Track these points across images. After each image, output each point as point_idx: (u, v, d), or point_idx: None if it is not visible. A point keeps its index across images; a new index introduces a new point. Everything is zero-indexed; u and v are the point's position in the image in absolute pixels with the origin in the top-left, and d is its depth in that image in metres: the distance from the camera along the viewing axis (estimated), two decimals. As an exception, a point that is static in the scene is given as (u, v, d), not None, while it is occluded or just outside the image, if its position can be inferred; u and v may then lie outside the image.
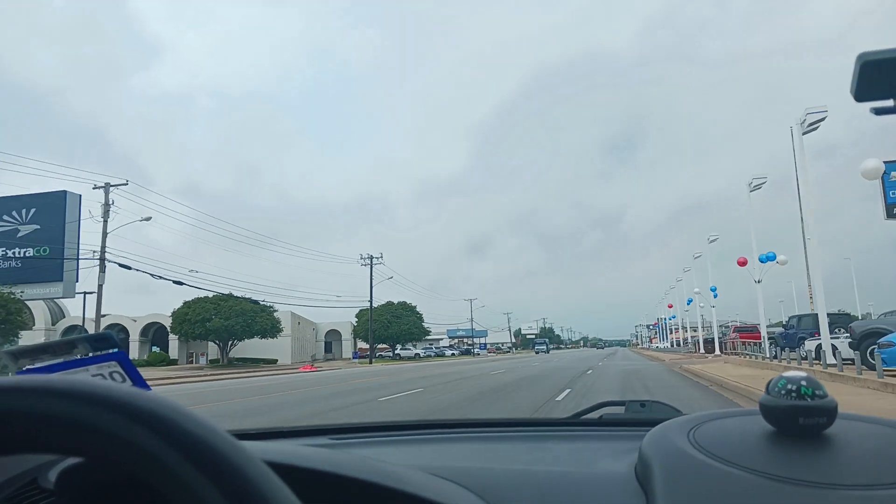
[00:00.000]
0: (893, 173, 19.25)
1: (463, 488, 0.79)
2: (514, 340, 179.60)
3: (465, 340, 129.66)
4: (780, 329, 27.34)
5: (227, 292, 58.23)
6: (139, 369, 0.78)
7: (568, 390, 15.52)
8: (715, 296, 37.56)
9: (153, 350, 65.21)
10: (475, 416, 1.72)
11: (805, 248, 36.96)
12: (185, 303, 58.20)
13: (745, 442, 0.78)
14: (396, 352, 79.48)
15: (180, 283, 34.83)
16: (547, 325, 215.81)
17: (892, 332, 14.64)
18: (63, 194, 39.31)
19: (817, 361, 18.38)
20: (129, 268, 30.69)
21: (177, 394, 18.64)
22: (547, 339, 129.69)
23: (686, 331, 73.91)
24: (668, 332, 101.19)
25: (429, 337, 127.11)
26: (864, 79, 0.73)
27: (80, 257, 33.14)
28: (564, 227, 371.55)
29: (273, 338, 60.05)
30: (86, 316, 68.32)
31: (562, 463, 0.98)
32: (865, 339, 15.75)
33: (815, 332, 21.52)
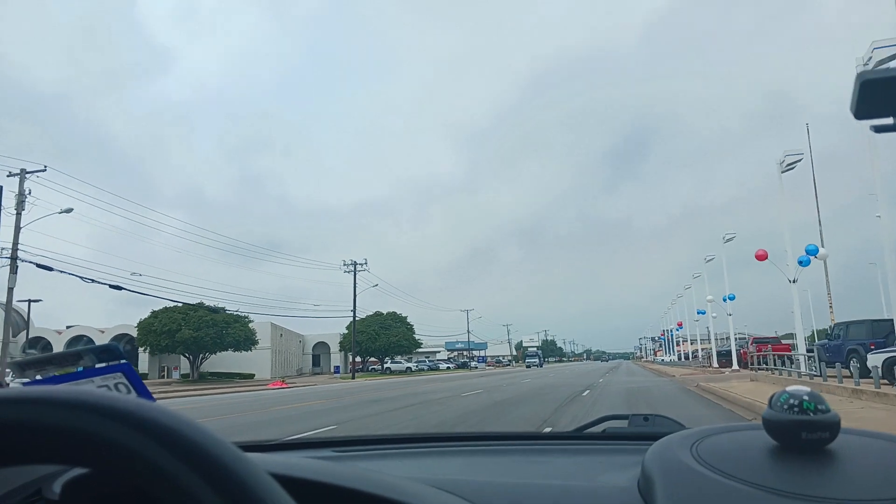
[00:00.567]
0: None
1: (466, 501, 0.79)
2: (514, 353, 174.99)
3: (465, 353, 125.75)
4: (823, 340, 22.73)
5: (196, 301, 54.10)
6: None
7: (549, 429, 10.99)
8: (730, 302, 33.04)
9: (121, 364, 60.68)
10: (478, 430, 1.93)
11: (821, 239, 32.80)
12: (153, 312, 53.83)
13: (747, 456, 0.78)
14: (387, 365, 74.87)
15: (118, 288, 30.32)
16: (549, 338, 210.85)
17: None
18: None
19: (886, 382, 13.87)
20: (50, 269, 26.23)
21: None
22: (539, 352, 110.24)
23: (693, 343, 69.44)
24: (674, 344, 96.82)
25: (425, 349, 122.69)
26: (863, 97, 0.75)
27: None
28: (567, 237, 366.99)
29: (247, 350, 55.55)
30: (45, 327, 64.30)
31: (564, 476, 0.99)
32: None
33: (870, 343, 16.97)
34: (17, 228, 25.34)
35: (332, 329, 77.36)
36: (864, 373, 15.20)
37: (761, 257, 22.78)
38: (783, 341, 37.04)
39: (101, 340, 62.42)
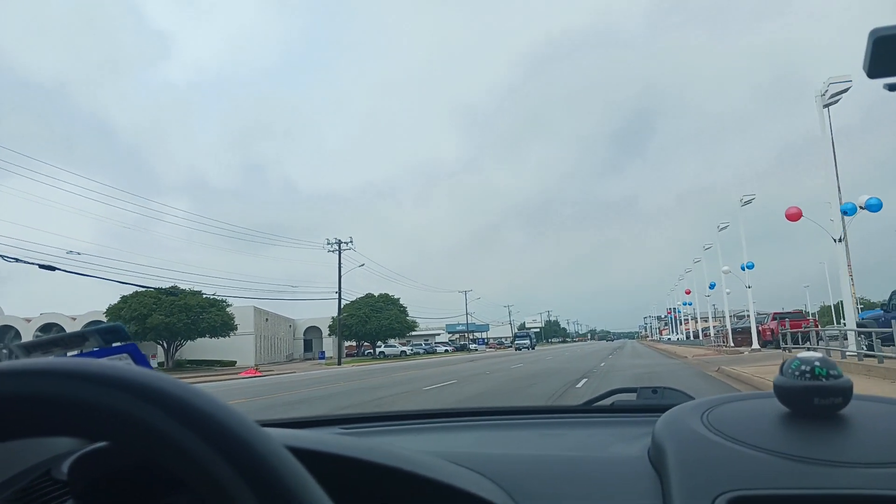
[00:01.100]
0: None
1: (478, 473, 0.79)
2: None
3: (468, 335, 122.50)
4: (875, 310, 18.85)
5: (170, 285, 50.46)
6: None
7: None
8: (748, 271, 29.09)
9: (95, 353, 57.23)
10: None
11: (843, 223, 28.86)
12: (123, 297, 50.23)
13: (759, 423, 0.78)
14: (380, 349, 71.29)
15: (51, 269, 26.48)
16: (552, 318, 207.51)
17: None
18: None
19: None
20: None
21: None
22: (531, 333, 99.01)
23: (702, 321, 65.64)
24: (679, 323, 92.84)
25: (425, 332, 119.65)
26: (877, 55, 0.73)
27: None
28: (572, 218, 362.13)
29: (224, 336, 51.95)
30: (14, 315, 60.86)
31: (575, 448, 0.99)
32: None
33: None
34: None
35: (325, 313, 73.72)
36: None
37: (794, 216, 18.89)
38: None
39: (72, 327, 58.75)
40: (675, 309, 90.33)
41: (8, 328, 57.66)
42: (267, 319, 69.09)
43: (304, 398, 15.77)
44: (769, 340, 31.28)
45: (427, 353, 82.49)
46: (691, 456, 0.73)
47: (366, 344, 71.62)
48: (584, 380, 16.85)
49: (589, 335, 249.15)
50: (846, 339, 17.05)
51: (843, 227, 16.86)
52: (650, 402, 1.29)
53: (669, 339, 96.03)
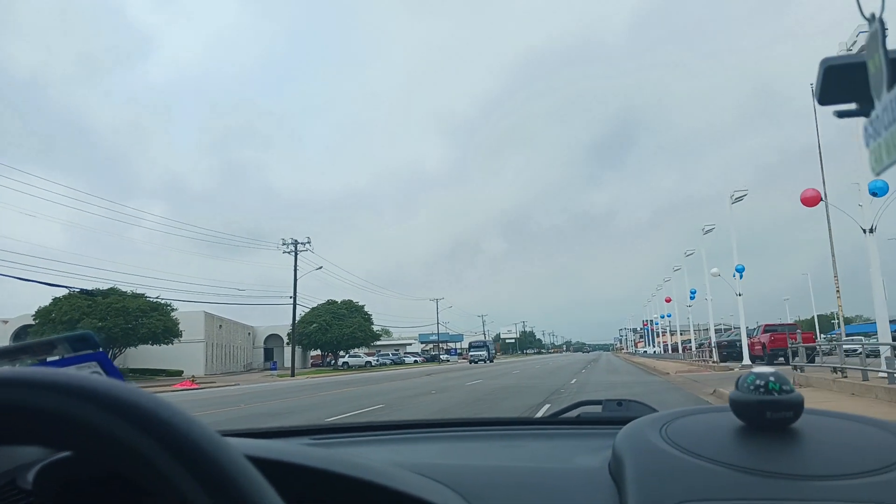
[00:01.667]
0: None
1: (441, 484, 0.81)
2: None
3: (442, 346, 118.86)
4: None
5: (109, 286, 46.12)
6: None
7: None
8: (739, 277, 25.81)
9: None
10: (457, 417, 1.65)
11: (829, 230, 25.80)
12: (54, 300, 45.76)
13: (714, 436, 0.80)
14: (343, 359, 67.22)
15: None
16: (527, 329, 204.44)
17: None
18: None
19: None
20: None
21: None
22: (488, 344, 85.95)
23: (680, 334, 62.63)
24: (657, 335, 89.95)
25: (397, 341, 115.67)
26: (827, 83, 0.76)
27: None
28: (550, 230, 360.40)
29: (168, 343, 47.65)
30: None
31: (538, 459, 1.02)
32: None
33: None
34: None
35: (288, 320, 69.61)
36: None
37: (811, 200, 15.64)
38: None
39: (4, 332, 54.29)
40: (651, 321, 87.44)
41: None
42: (221, 326, 64.68)
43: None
44: (759, 356, 28.03)
45: (394, 363, 78.54)
46: (648, 468, 0.75)
47: (328, 354, 67.58)
48: (547, 405, 13.31)
49: (564, 347, 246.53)
50: (865, 355, 13.59)
51: (875, 217, 13.50)
52: (614, 415, 1.31)
53: (646, 351, 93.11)
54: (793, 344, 18.34)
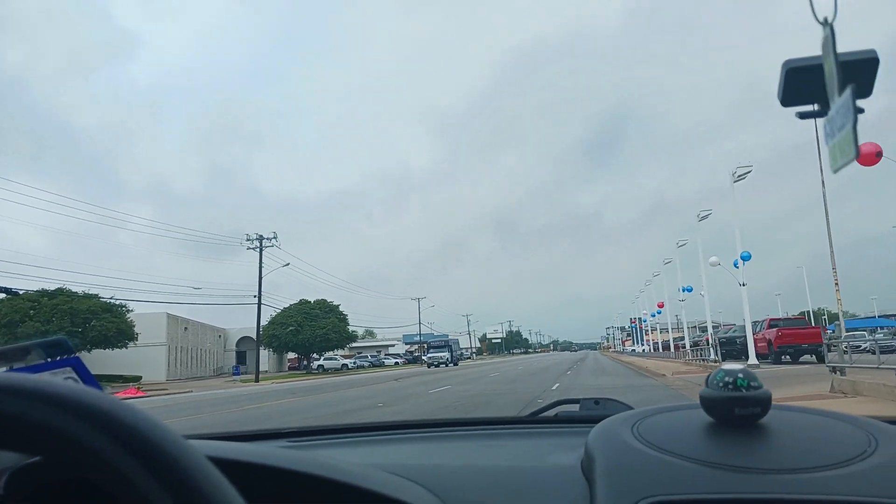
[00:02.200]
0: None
1: (416, 484, 0.82)
2: (479, 345, 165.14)
3: (422, 346, 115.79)
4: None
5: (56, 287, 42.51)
6: None
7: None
8: (743, 266, 22.82)
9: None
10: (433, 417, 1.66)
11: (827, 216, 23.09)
12: (-5, 301, 42.07)
13: (685, 433, 0.82)
14: (318, 363, 63.77)
15: None
16: (514, 329, 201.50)
17: None
18: None
19: None
20: None
21: None
22: (451, 343, 70.75)
23: (669, 331, 59.85)
24: (643, 333, 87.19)
25: (380, 342, 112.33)
26: (789, 85, 0.79)
27: None
28: (538, 229, 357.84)
29: (121, 347, 44.09)
30: None
31: (515, 458, 1.04)
32: None
33: None
34: None
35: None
36: None
37: (871, 156, 12.76)
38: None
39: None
40: (640, 318, 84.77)
41: None
42: (186, 328, 61.06)
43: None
44: (764, 353, 25.05)
45: (373, 366, 75.18)
46: (617, 464, 0.77)
47: (291, 357, 64.08)
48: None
49: (552, 346, 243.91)
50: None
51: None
52: (591, 413, 1.32)
53: (634, 350, 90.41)
54: (828, 338, 15.30)
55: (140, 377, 49.34)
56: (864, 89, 0.77)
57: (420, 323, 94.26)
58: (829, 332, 22.98)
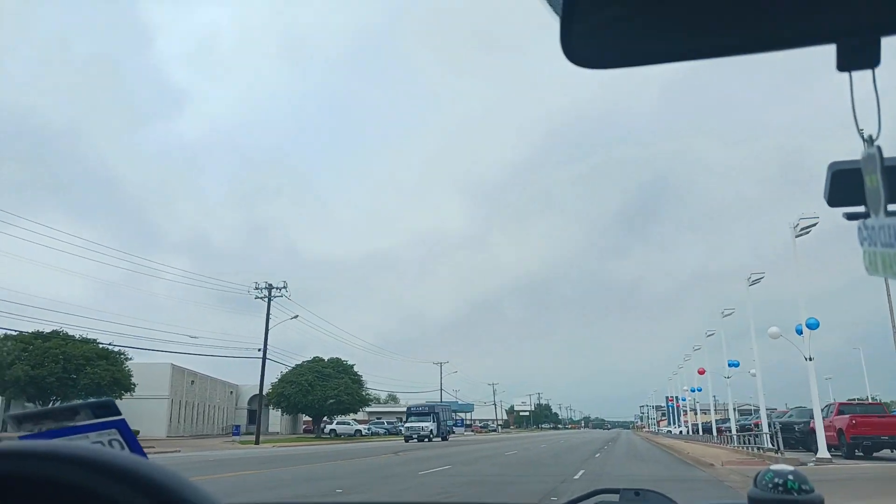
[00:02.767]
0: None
1: None
2: (505, 417, 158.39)
3: (452, 415, 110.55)
4: None
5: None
6: None
7: None
8: (808, 334, 19.02)
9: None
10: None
11: None
12: (-17, 342, 39.87)
13: None
14: (331, 427, 59.89)
15: None
16: (542, 402, 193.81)
17: None
18: None
19: None
20: None
21: None
22: (438, 410, 53.57)
23: (705, 413, 54.69)
24: (682, 413, 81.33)
25: (400, 409, 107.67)
26: (835, 186, 0.81)
27: None
28: (570, 300, 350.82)
29: (116, 398, 41.09)
30: None
31: None
32: None
33: None
34: None
35: (275, 379, 62.66)
36: None
37: None
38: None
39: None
40: (676, 397, 79.12)
41: None
42: (193, 382, 58.14)
43: None
44: (833, 444, 20.82)
45: (388, 433, 70.83)
46: None
47: (306, 420, 60.21)
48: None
49: (582, 423, 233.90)
50: None
51: None
52: None
53: (670, 431, 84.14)
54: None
55: (137, 431, 46.23)
56: None
57: (441, 389, 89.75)
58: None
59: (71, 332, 41.02)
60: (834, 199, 0.80)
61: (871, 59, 0.65)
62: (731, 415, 35.24)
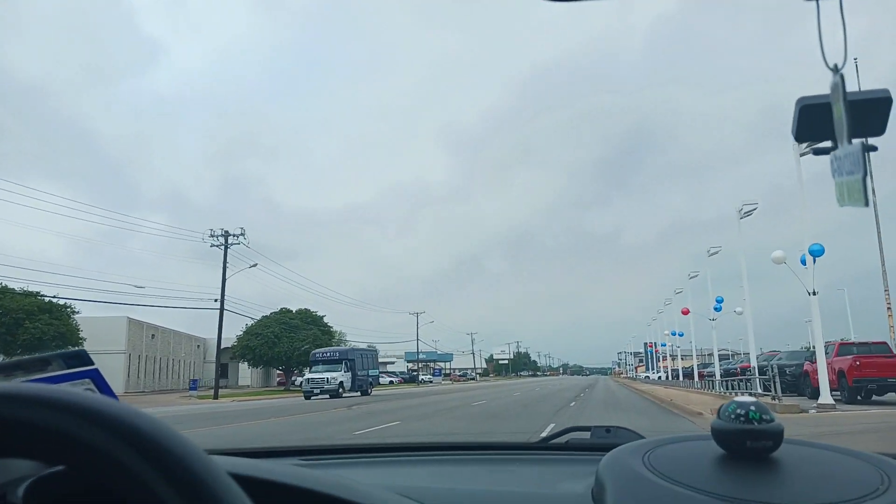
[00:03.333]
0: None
1: None
2: (485, 366, 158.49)
3: (431, 365, 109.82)
4: None
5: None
6: None
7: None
8: (812, 264, 16.80)
9: None
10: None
11: None
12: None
13: (696, 464, 0.82)
14: (301, 379, 57.85)
15: None
16: (522, 350, 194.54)
17: None
18: None
19: None
20: None
21: None
22: (351, 357, 39.24)
23: (683, 358, 53.64)
24: (659, 359, 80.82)
25: (382, 360, 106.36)
26: (803, 122, 0.83)
27: None
28: (548, 247, 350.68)
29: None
30: None
31: (525, 484, 1.06)
32: None
33: None
34: None
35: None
36: None
37: None
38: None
39: None
40: (655, 343, 78.26)
41: None
42: (154, 336, 55.45)
43: None
44: (832, 389, 18.87)
45: (363, 384, 68.95)
46: (629, 494, 0.77)
47: (278, 372, 58.17)
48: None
49: (561, 370, 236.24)
50: None
51: None
52: (602, 441, 1.32)
53: (648, 377, 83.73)
54: None
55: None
56: (877, 128, 0.81)
57: (418, 339, 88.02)
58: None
59: (13, 286, 38.11)
60: (801, 134, 0.82)
61: None
62: (716, 359, 33.49)
